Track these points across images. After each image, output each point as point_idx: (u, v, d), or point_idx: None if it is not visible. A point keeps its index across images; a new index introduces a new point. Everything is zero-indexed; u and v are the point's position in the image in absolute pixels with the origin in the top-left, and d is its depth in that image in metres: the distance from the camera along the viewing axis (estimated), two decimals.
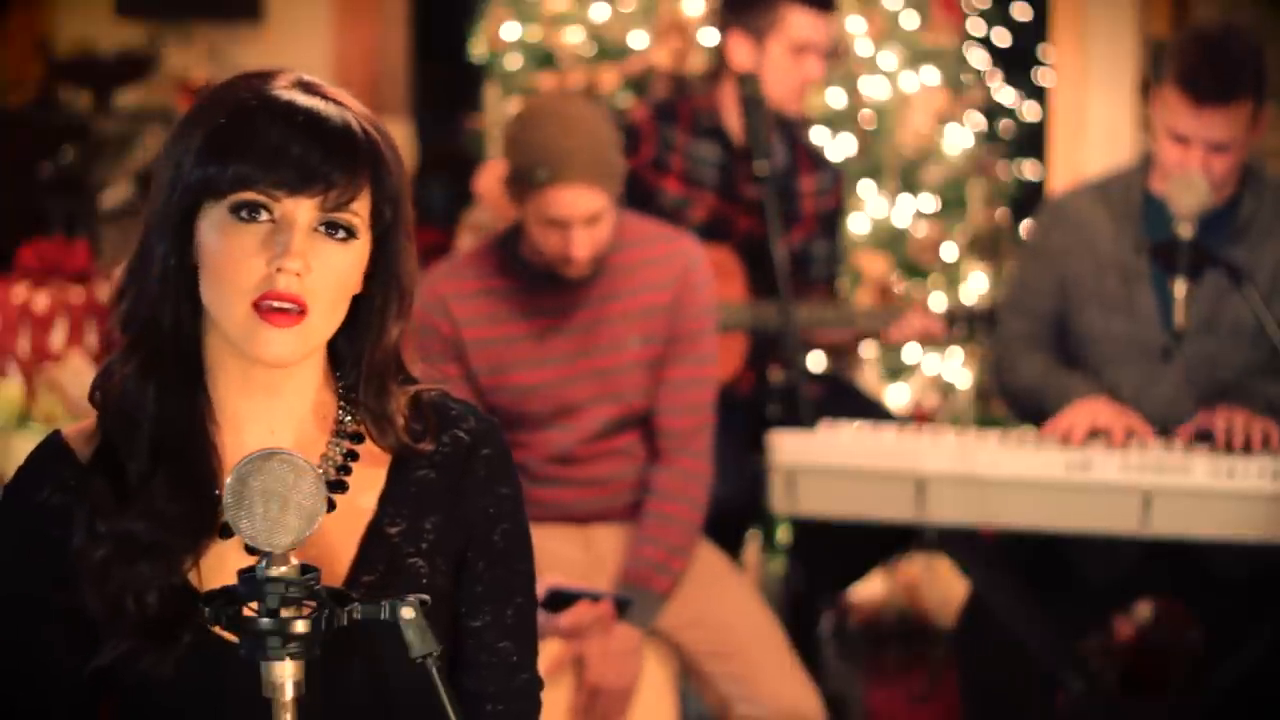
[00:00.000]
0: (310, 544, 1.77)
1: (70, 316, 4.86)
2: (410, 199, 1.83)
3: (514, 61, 5.29)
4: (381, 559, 1.82)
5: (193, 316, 1.78)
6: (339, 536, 1.82)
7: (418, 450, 1.85)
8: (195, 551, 1.77)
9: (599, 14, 5.21)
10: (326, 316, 1.76)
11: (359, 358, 1.83)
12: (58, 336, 4.83)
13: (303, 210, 1.73)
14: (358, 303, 1.81)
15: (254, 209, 1.73)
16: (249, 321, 1.73)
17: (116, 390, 1.79)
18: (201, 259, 1.75)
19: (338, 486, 1.82)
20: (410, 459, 1.85)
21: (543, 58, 5.24)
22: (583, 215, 3.29)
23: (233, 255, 1.73)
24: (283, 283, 1.72)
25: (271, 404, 1.82)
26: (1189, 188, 3.39)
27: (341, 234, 1.75)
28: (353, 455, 1.84)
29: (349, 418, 1.85)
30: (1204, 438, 3.42)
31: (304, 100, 1.75)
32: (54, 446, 1.82)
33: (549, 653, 3.33)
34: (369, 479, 1.84)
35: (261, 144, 1.72)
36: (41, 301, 4.88)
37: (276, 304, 1.72)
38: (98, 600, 1.75)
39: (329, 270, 1.74)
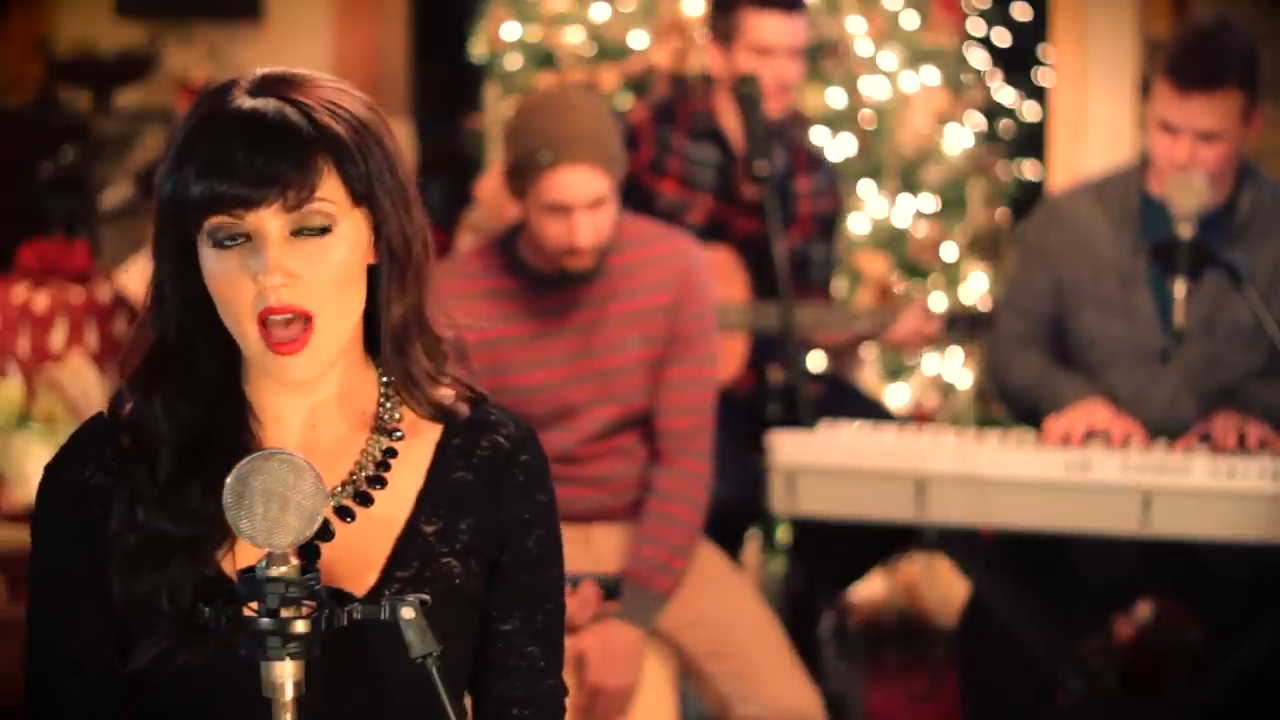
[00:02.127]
0: (346, 540, 1.80)
1: (70, 316, 4.87)
2: (397, 165, 1.80)
3: (514, 61, 5.29)
4: (416, 556, 1.83)
5: (211, 330, 1.78)
6: (375, 533, 1.83)
7: (456, 413, 1.86)
8: (229, 541, 1.77)
9: (599, 14, 5.21)
10: (334, 314, 1.76)
11: (378, 327, 1.83)
12: (58, 336, 4.84)
13: (268, 221, 1.72)
14: (373, 272, 1.81)
15: (230, 234, 1.73)
16: (262, 350, 1.74)
17: (130, 413, 1.81)
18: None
19: (376, 482, 1.83)
20: (448, 463, 1.86)
21: (543, 58, 5.24)
22: (586, 199, 3.29)
23: (224, 283, 1.74)
24: (274, 297, 1.72)
25: (308, 400, 1.82)
26: (1188, 188, 3.39)
27: (319, 228, 1.74)
28: (391, 452, 1.84)
29: (389, 414, 1.85)
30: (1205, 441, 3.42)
31: (248, 104, 1.74)
32: (98, 427, 1.84)
33: None
34: (407, 478, 1.85)
35: (210, 163, 1.72)
36: (41, 301, 4.88)
37: (278, 319, 1.72)
38: (127, 599, 1.76)
39: (319, 267, 1.74)
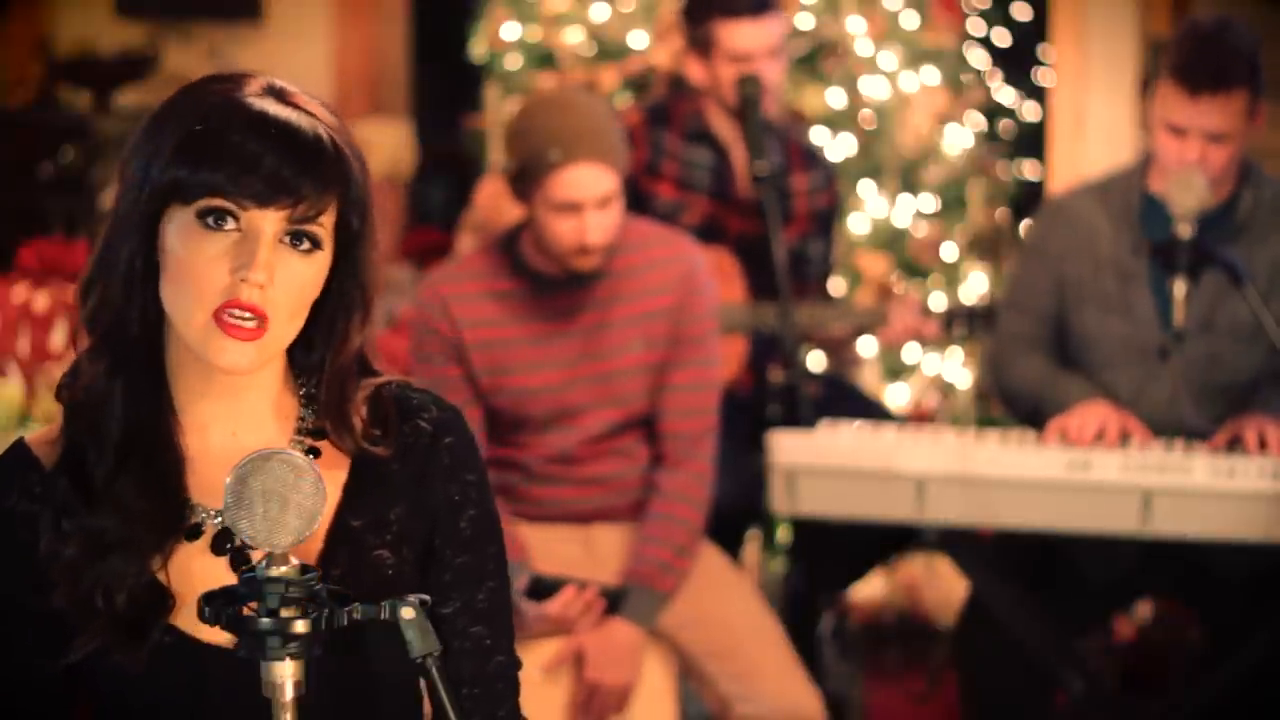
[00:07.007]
0: None
1: (70, 316, 4.86)
2: (374, 210, 1.83)
3: (514, 61, 5.29)
4: (346, 552, 1.82)
5: (157, 318, 1.77)
6: None
7: (376, 454, 1.84)
8: (163, 550, 1.77)
9: (599, 14, 5.21)
10: (286, 327, 1.76)
11: (320, 363, 1.82)
12: (58, 336, 4.84)
13: (269, 221, 1.73)
14: (317, 307, 1.80)
15: (221, 216, 1.72)
16: (207, 329, 1.73)
17: (84, 389, 1.80)
18: (164, 261, 1.75)
19: None
20: (373, 454, 1.85)
21: (543, 58, 5.24)
22: (596, 196, 3.29)
23: (197, 262, 1.72)
24: (245, 294, 1.71)
25: (233, 406, 1.82)
26: (1188, 187, 3.39)
27: (306, 245, 1.75)
28: (315, 452, 1.83)
29: (310, 415, 1.84)
30: (1233, 446, 3.40)
31: (277, 110, 1.75)
32: (18, 453, 1.83)
33: (549, 649, 3.33)
34: (332, 473, 1.83)
35: (235, 154, 1.72)
36: (41, 301, 4.89)
37: (237, 313, 1.71)
38: (68, 599, 1.76)
39: (292, 282, 1.74)
